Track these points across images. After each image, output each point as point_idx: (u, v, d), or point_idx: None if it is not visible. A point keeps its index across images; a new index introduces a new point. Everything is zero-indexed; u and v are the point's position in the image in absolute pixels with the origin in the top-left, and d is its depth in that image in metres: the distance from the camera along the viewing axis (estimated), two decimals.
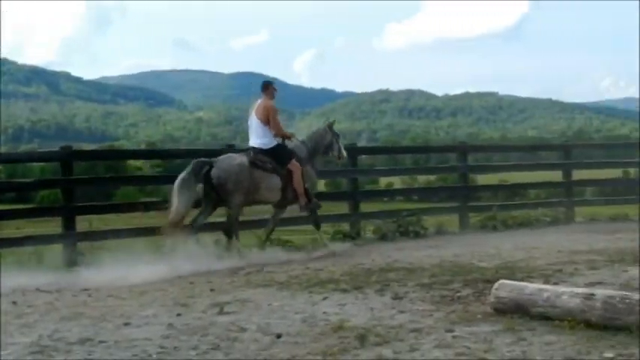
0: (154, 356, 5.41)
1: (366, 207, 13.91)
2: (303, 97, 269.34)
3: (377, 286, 7.95)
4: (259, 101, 11.49)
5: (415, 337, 5.61)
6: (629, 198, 19.01)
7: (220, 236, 11.38)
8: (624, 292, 5.78)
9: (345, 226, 13.33)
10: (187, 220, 10.98)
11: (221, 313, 6.82)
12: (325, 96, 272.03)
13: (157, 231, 10.95)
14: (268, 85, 11.63)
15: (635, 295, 5.58)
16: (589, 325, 5.56)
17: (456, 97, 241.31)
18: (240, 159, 11.09)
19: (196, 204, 11.11)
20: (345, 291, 7.73)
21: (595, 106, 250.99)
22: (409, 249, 11.46)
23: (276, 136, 11.40)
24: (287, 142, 11.64)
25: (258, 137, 11.33)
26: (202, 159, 11.13)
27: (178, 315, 6.81)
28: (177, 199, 10.66)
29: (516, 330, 5.67)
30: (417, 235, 13.23)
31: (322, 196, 12.87)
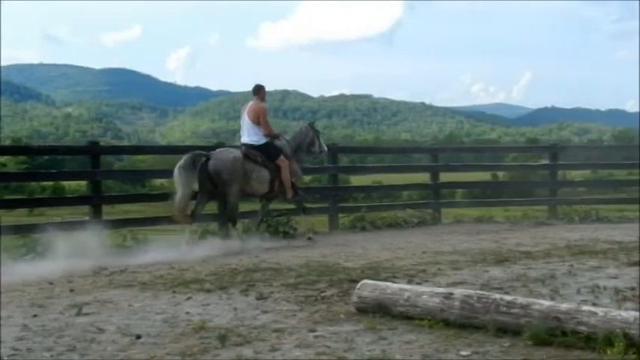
0: (6, 358, 5.21)
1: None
2: (177, 95, 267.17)
3: (242, 286, 7.91)
4: (250, 103, 12.50)
5: (277, 337, 5.59)
6: (496, 200, 19.72)
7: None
8: (482, 292, 5.92)
9: (214, 226, 13.15)
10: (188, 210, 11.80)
11: (79, 314, 6.63)
12: (199, 94, 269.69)
13: (169, 218, 12.09)
14: (259, 89, 12.56)
15: (492, 295, 5.73)
16: (448, 324, 5.68)
17: (331, 98, 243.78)
18: (235, 152, 12.10)
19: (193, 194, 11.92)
20: (209, 291, 7.67)
21: (465, 111, 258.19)
22: (277, 249, 11.47)
23: (266, 135, 12.37)
24: (275, 141, 12.62)
25: (249, 136, 12.33)
26: (198, 151, 12.00)
27: (34, 316, 6.60)
28: (181, 186, 11.45)
29: (377, 329, 5.73)
30: (286, 235, 13.24)
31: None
